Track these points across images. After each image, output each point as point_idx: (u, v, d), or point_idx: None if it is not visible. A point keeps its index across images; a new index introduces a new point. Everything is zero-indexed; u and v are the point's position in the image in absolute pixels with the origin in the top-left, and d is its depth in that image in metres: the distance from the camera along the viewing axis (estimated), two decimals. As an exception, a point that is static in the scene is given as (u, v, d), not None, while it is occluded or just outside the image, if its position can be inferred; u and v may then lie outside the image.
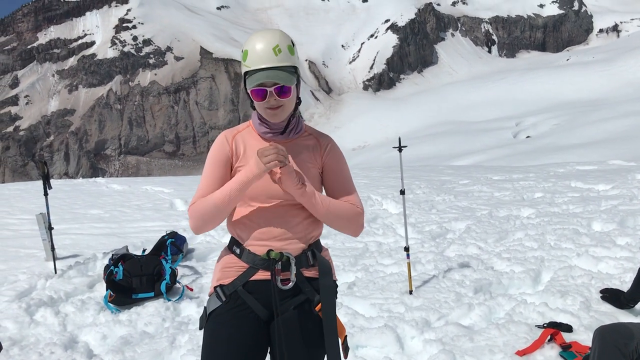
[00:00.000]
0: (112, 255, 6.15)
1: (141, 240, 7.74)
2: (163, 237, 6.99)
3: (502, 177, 13.73)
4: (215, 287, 2.51)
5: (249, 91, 2.45)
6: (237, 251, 2.51)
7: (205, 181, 2.49)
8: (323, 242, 2.72)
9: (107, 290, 5.42)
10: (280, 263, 2.43)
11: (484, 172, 15.41)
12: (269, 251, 2.43)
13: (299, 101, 2.54)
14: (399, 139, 6.25)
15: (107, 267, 5.87)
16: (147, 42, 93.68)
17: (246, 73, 2.42)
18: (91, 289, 5.82)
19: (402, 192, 5.92)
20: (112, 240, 7.88)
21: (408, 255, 5.59)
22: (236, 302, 2.46)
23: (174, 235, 7.14)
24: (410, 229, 7.86)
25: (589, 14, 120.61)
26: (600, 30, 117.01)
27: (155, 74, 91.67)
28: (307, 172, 2.48)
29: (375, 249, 7.25)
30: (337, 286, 2.63)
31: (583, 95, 71.75)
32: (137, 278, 5.58)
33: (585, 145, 34.80)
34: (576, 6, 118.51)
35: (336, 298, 2.62)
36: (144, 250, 6.64)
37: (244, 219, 2.48)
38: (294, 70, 2.42)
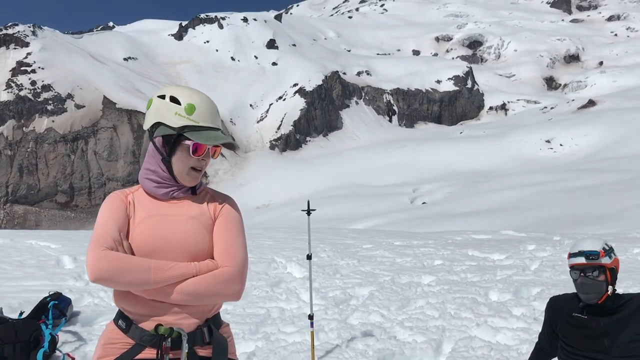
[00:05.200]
0: (-17, 319, 5.47)
1: (19, 301, 7.00)
2: (45, 298, 6.36)
3: (403, 242, 14.01)
4: None
5: (188, 143, 2.31)
6: (123, 325, 2.24)
7: (111, 229, 2.23)
8: (223, 307, 2.50)
9: (-28, 360, 4.78)
10: (170, 340, 2.18)
11: (386, 237, 15.68)
12: (157, 326, 2.19)
13: None
14: (308, 202, 6.17)
15: (-26, 333, 5.19)
16: (46, 87, 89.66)
17: (186, 126, 2.30)
18: (-47, 358, 5.10)
19: (309, 257, 5.80)
20: (-15, 301, 7.05)
21: (312, 324, 5.41)
22: None
23: (57, 296, 6.51)
24: (314, 295, 7.70)
25: (481, 92, 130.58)
26: (490, 108, 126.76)
27: (53, 121, 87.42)
28: (197, 231, 2.31)
29: (278, 315, 7.00)
30: None
31: (475, 166, 76.36)
32: (9, 345, 4.97)
33: (477, 214, 36.67)
34: (469, 84, 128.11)
35: None
36: (21, 313, 5.98)
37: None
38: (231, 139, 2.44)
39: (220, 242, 2.34)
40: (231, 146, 2.42)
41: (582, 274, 3.34)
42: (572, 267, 3.40)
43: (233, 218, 2.42)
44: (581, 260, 3.34)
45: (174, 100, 2.33)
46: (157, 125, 2.35)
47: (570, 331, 3.44)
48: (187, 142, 2.31)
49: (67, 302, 6.59)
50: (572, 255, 3.39)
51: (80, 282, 8.43)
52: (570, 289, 3.67)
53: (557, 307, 3.58)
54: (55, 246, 11.27)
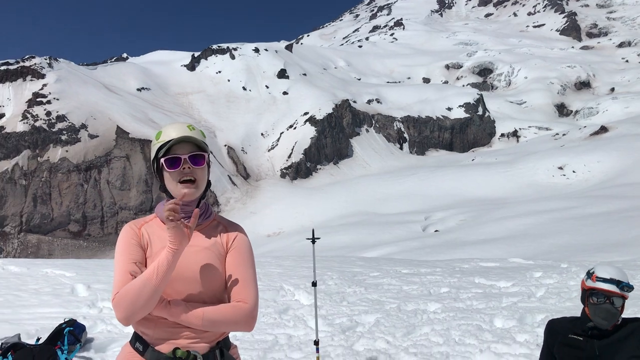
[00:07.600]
0: (2, 344, 5.70)
1: (36, 327, 7.23)
2: (61, 325, 6.59)
3: (411, 270, 14.11)
4: None
5: (162, 162, 2.44)
6: (140, 348, 2.41)
7: (124, 266, 2.37)
8: (232, 333, 2.69)
9: (-8, 384, 4.99)
10: None
11: (394, 265, 15.77)
12: (175, 349, 2.36)
13: (208, 184, 2.56)
14: (313, 230, 6.37)
15: (-6, 358, 5.42)
16: (61, 118, 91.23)
17: (158, 151, 2.46)
18: (-27, 382, 5.32)
19: (314, 284, 5.98)
20: (3, 328, 7.29)
21: (317, 349, 5.57)
22: None
23: (72, 323, 6.74)
24: (320, 322, 7.85)
25: (492, 119, 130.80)
26: (502, 135, 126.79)
27: (67, 151, 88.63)
28: (208, 260, 2.46)
29: (285, 341, 7.15)
30: None
31: (487, 193, 76.00)
32: (27, 370, 5.19)
33: (489, 242, 36.49)
34: (480, 111, 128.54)
35: None
36: (38, 339, 6.21)
37: (149, 315, 2.38)
38: (206, 145, 2.49)
39: (235, 276, 2.48)
40: (200, 148, 2.46)
41: (608, 301, 3.41)
42: (598, 291, 3.43)
43: (245, 251, 2.56)
44: (613, 288, 3.39)
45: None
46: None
47: (566, 353, 3.55)
48: (161, 162, 2.46)
49: (81, 328, 6.81)
50: (602, 280, 3.42)
51: (93, 309, 8.65)
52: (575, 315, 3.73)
53: (554, 330, 3.69)
54: (70, 274, 11.52)
